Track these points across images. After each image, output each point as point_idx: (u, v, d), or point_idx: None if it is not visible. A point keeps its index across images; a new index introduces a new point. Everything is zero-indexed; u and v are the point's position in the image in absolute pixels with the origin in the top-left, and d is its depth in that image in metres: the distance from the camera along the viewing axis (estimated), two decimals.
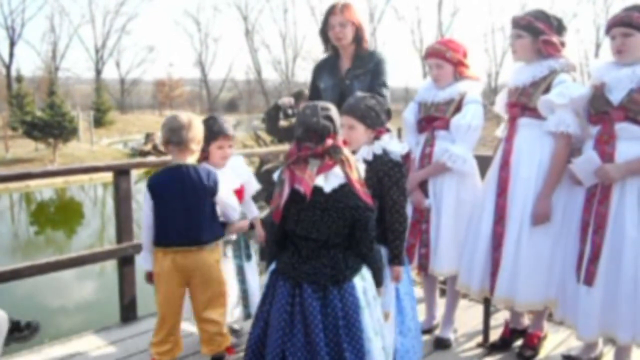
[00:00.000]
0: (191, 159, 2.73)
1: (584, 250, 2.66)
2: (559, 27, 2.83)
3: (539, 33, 2.79)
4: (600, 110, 2.64)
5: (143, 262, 2.84)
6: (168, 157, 3.01)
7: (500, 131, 3.11)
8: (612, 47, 2.63)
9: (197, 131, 2.70)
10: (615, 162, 2.56)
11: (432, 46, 3.12)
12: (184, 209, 2.67)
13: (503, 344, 3.14)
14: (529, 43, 2.82)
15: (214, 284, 2.76)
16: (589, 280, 2.62)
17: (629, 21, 2.55)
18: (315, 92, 3.44)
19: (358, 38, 3.32)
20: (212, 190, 2.70)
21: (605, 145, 2.60)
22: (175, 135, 2.65)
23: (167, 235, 2.70)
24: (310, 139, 2.11)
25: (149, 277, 2.81)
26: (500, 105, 3.11)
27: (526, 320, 3.22)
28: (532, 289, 2.81)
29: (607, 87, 2.63)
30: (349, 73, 3.33)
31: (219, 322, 2.78)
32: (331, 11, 3.30)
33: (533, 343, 3.06)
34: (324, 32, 3.39)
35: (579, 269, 2.68)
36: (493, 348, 3.13)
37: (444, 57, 3.02)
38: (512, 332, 3.17)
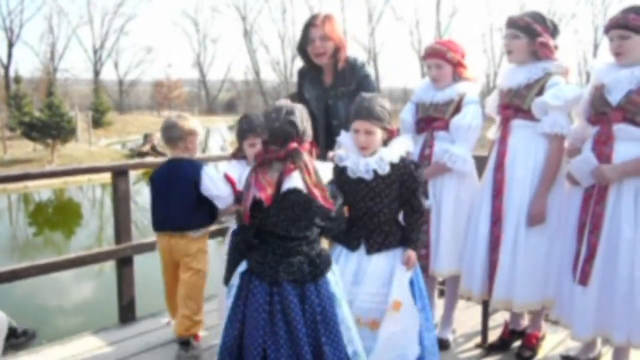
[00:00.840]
0: (184, 154, 3.11)
1: (580, 251, 2.67)
2: (554, 31, 2.84)
3: (536, 35, 2.80)
4: (599, 111, 2.65)
5: None
6: (166, 158, 3.31)
7: (492, 133, 3.11)
8: (611, 49, 2.64)
9: (184, 130, 3.08)
10: (612, 163, 2.57)
11: (431, 47, 3.11)
12: (169, 198, 3.04)
13: (502, 345, 3.14)
14: (525, 44, 2.83)
15: (192, 272, 3.07)
16: (583, 281, 2.62)
17: (626, 24, 2.56)
18: (303, 101, 3.17)
19: (336, 55, 3.06)
20: (195, 182, 2.96)
21: (603, 146, 2.61)
22: (165, 134, 3.12)
23: (156, 220, 3.13)
24: (275, 142, 2.13)
25: None
26: (491, 107, 3.10)
27: (525, 322, 3.22)
28: (529, 290, 2.82)
29: (606, 89, 2.64)
30: (332, 91, 3.10)
31: (192, 308, 3.07)
32: (312, 23, 3.03)
33: (531, 344, 3.07)
34: (303, 48, 3.11)
35: (575, 269, 2.69)
36: (492, 349, 3.14)
37: (445, 58, 3.02)
38: (511, 334, 3.17)
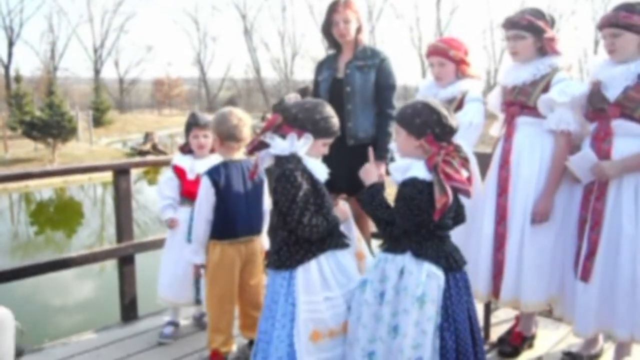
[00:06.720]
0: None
1: (581, 247, 2.67)
2: (552, 23, 2.82)
3: (541, 32, 2.76)
4: (597, 107, 2.65)
5: None
6: (166, 157, 3.28)
7: (494, 130, 3.09)
8: (604, 47, 2.64)
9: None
10: (611, 158, 2.57)
11: (434, 44, 3.09)
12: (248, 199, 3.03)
13: (513, 351, 3.04)
14: (531, 43, 2.78)
15: (261, 272, 3.02)
16: (585, 276, 2.62)
17: (616, 21, 2.56)
18: (315, 87, 3.55)
19: (357, 34, 3.37)
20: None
21: (601, 142, 2.61)
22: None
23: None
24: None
25: None
26: (493, 103, 3.07)
27: (534, 327, 3.16)
28: (536, 288, 2.77)
29: (603, 85, 2.64)
30: (350, 64, 3.34)
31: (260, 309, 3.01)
32: (334, 9, 3.33)
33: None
34: (327, 30, 3.41)
35: (576, 265, 2.69)
36: (502, 354, 3.06)
37: (447, 56, 3.00)
38: (522, 340, 3.08)
